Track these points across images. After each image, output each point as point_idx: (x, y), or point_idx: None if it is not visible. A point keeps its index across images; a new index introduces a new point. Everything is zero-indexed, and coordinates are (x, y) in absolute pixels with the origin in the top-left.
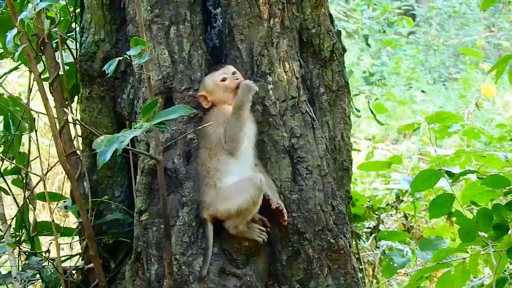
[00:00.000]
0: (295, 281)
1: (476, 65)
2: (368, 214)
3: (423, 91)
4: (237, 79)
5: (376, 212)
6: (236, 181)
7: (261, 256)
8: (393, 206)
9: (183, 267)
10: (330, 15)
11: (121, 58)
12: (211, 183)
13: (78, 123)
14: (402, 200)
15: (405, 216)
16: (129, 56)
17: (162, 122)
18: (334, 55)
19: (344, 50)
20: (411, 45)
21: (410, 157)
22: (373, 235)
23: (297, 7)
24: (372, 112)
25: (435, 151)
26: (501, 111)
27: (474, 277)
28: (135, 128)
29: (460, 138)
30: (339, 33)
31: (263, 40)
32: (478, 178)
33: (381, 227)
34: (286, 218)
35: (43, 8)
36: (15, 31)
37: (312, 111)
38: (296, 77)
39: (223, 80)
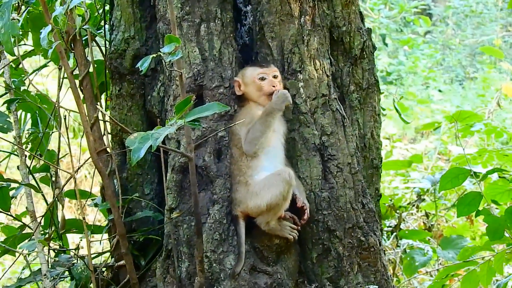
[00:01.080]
0: (325, 279)
1: (494, 64)
2: (389, 213)
3: (440, 91)
4: (275, 86)
5: (397, 211)
6: (265, 176)
7: (291, 253)
8: (414, 205)
9: (214, 264)
10: (360, 13)
11: (154, 55)
12: (243, 181)
13: (110, 120)
14: (424, 199)
15: (427, 215)
16: (161, 54)
17: (196, 119)
18: (364, 53)
19: (374, 48)
20: (427, 45)
21: (430, 157)
22: (394, 233)
23: (327, 5)
24: (397, 110)
25: (463, 149)
26: None
27: (500, 275)
28: (169, 125)
29: (479, 138)
30: (369, 31)
31: (294, 37)
32: (499, 177)
33: (401, 225)
34: (306, 218)
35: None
36: (49, 28)
37: (342, 109)
38: (327, 75)
39: (261, 79)
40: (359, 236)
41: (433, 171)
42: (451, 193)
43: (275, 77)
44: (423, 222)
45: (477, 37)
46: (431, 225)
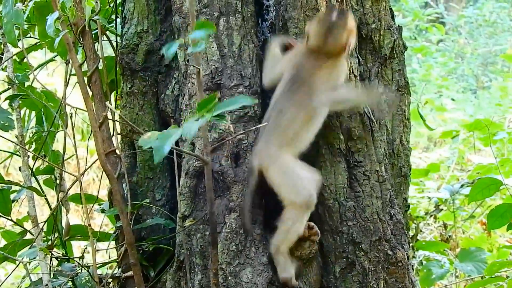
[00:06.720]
0: None
1: (507, 73)
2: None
3: (453, 99)
4: None
5: (415, 221)
6: None
7: (313, 267)
8: (432, 215)
9: (229, 277)
10: (391, 10)
11: (181, 40)
12: None
13: (119, 119)
14: (442, 209)
15: (445, 226)
16: (179, 47)
17: (222, 114)
18: (394, 52)
19: (405, 47)
20: (440, 53)
21: (448, 166)
22: (411, 244)
23: (356, 0)
24: (421, 116)
25: (495, 157)
26: None
27: None
28: (193, 120)
29: (496, 148)
30: (400, 29)
31: None
32: None
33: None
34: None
35: None
36: (56, 14)
37: (370, 112)
38: (355, 75)
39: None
40: (386, 249)
41: (448, 181)
42: (468, 203)
43: None
44: (440, 233)
45: (490, 46)
46: (449, 236)
